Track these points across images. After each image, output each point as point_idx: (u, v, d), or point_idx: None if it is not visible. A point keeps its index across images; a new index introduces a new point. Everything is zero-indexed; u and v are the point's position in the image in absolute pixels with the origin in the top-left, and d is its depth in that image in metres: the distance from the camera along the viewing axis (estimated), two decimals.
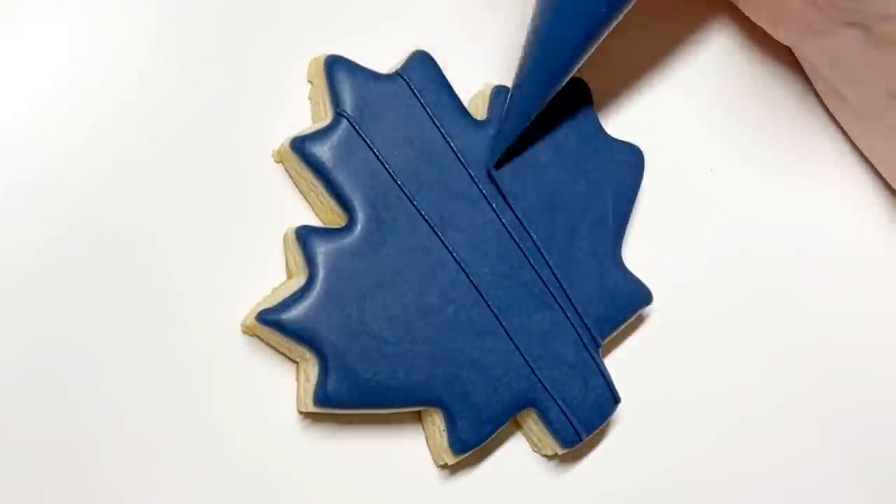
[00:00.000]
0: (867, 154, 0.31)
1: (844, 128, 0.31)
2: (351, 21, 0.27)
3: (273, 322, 0.24)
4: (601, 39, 0.26)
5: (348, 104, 0.25)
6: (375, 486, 0.26)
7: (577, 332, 0.27)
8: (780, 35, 0.30)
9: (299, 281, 0.25)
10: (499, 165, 0.26)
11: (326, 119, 0.25)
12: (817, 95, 0.31)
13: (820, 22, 0.28)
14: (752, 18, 0.30)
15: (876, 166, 0.31)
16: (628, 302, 0.28)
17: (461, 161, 0.26)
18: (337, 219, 0.25)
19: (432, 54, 0.26)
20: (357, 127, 0.25)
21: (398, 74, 0.26)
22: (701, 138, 0.31)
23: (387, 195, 0.25)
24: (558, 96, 0.26)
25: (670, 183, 0.30)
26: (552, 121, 0.27)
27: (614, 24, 0.26)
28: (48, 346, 0.24)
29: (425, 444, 0.27)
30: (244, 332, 0.25)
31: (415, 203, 0.25)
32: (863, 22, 0.27)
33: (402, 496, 0.26)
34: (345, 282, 0.24)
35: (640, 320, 0.29)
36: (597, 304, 0.27)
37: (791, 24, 0.29)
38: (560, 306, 0.26)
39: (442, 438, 0.26)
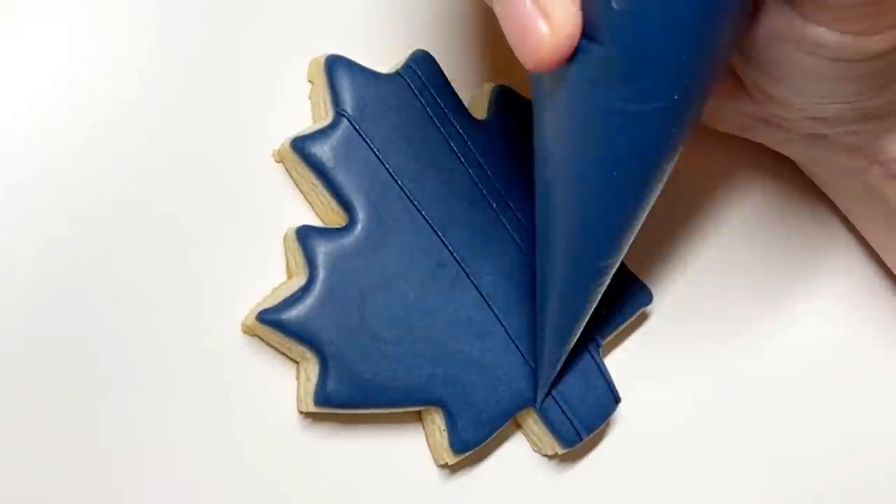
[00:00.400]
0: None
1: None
2: (351, 21, 0.27)
3: (273, 322, 0.24)
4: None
5: (348, 104, 0.25)
6: (375, 486, 0.26)
7: None
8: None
9: (299, 281, 0.25)
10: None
11: (327, 119, 0.25)
12: None
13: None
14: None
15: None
16: (628, 302, 0.28)
17: (461, 161, 0.26)
18: (337, 219, 0.25)
19: (432, 54, 0.26)
20: (357, 127, 0.25)
21: (398, 74, 0.26)
22: (700, 138, 0.30)
23: (387, 195, 0.25)
24: None
25: (670, 183, 0.30)
26: None
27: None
28: (47, 348, 0.24)
29: (425, 444, 0.27)
30: (244, 332, 0.25)
31: (415, 203, 0.25)
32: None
33: (402, 496, 0.26)
34: (345, 282, 0.24)
35: (640, 320, 0.29)
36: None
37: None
38: None
39: (442, 438, 0.25)
